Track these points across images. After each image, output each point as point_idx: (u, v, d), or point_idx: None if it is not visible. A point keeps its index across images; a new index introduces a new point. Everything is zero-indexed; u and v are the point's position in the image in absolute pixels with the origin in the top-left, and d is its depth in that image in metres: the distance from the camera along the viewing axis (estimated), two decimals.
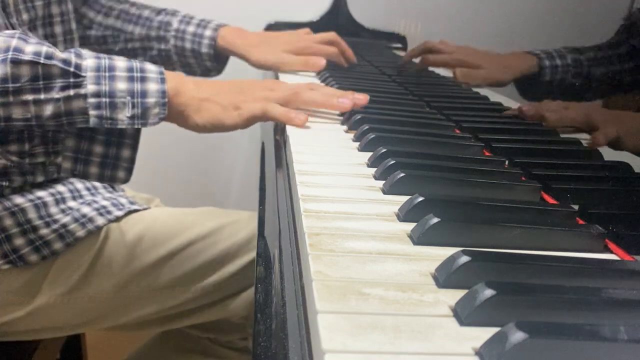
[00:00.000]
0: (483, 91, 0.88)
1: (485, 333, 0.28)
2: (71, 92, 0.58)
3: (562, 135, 0.63)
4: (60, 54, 0.58)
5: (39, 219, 0.74)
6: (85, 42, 1.01)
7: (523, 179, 0.53)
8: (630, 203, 0.49)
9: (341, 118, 0.71)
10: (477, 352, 0.27)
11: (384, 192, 0.48)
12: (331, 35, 1.00)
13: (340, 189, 0.47)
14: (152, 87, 0.61)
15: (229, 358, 0.96)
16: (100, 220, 0.79)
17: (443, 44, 0.96)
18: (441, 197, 0.44)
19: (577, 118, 0.61)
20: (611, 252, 0.42)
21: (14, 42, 0.57)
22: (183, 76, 0.66)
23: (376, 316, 0.29)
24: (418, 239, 0.39)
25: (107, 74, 0.59)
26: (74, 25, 0.86)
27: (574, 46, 0.62)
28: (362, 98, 0.71)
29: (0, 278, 0.74)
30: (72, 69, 0.58)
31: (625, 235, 0.42)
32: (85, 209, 0.79)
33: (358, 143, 0.61)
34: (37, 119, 0.58)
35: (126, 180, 0.66)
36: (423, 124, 0.70)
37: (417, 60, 1.02)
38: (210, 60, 1.00)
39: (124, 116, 0.59)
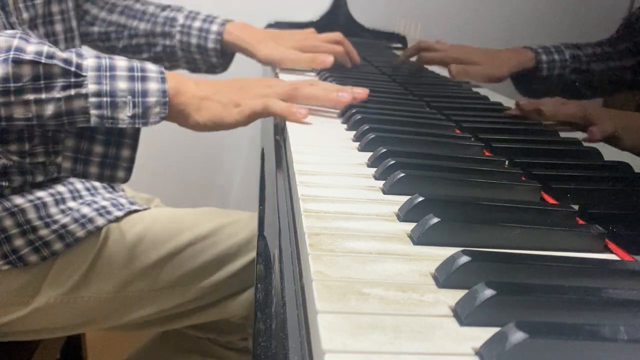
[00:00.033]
0: (483, 91, 0.88)
1: (485, 333, 0.28)
2: (72, 91, 0.58)
3: (562, 135, 0.63)
4: (61, 53, 0.59)
5: (39, 220, 0.74)
6: (88, 39, 1.00)
7: (523, 179, 0.53)
8: (630, 203, 0.49)
9: (341, 118, 0.71)
10: (477, 352, 0.27)
11: (384, 192, 0.48)
12: (337, 35, 1.00)
13: (340, 189, 0.47)
14: (153, 86, 0.61)
15: (229, 358, 0.96)
16: (100, 221, 0.79)
17: (438, 42, 0.96)
18: (441, 197, 0.44)
19: (574, 113, 0.60)
20: (611, 252, 0.42)
21: (15, 42, 0.57)
22: (183, 76, 0.66)
23: (376, 316, 0.29)
24: (418, 239, 0.39)
25: (107, 74, 0.59)
26: (74, 23, 0.86)
27: (573, 42, 0.62)
28: (362, 92, 0.71)
29: (0, 279, 0.74)
30: (73, 69, 0.58)
31: (625, 235, 0.42)
32: (85, 210, 0.79)
33: (358, 143, 0.61)
34: (38, 119, 0.58)
35: (126, 179, 0.66)
36: (423, 124, 0.70)
37: (414, 59, 1.03)
38: (216, 56, 0.99)
39: (125, 116, 0.60)
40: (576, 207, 0.46)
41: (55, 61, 0.57)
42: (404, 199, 0.44)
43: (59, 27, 0.82)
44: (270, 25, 1.35)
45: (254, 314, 0.36)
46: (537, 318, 0.30)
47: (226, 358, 0.96)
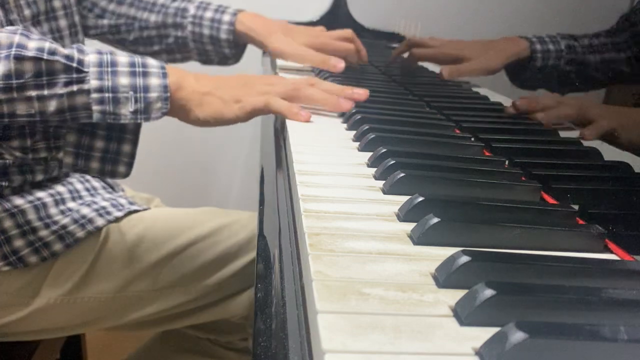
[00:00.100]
0: (483, 91, 0.88)
1: (485, 333, 0.28)
2: (74, 87, 0.58)
3: (562, 135, 0.63)
4: (62, 49, 0.59)
5: (39, 220, 0.74)
6: (98, 32, 0.99)
7: (523, 179, 0.53)
8: (630, 203, 0.49)
9: (341, 117, 0.71)
10: (477, 352, 0.27)
11: (384, 192, 0.48)
12: (348, 32, 0.99)
13: (340, 189, 0.47)
14: (154, 81, 0.61)
15: (229, 358, 0.96)
16: (99, 221, 0.79)
17: (430, 39, 0.96)
18: (441, 197, 0.44)
19: (569, 114, 0.60)
20: (611, 252, 0.42)
21: (17, 39, 0.57)
22: (184, 71, 0.66)
23: (376, 316, 0.29)
24: (418, 239, 0.39)
25: (109, 69, 0.60)
26: (77, 18, 0.85)
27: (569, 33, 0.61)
28: (362, 93, 0.71)
29: (0, 280, 0.74)
30: (75, 65, 0.58)
31: (625, 235, 0.42)
32: (85, 210, 0.79)
33: (358, 143, 0.61)
34: (41, 115, 0.58)
35: (127, 174, 0.66)
36: (423, 124, 0.70)
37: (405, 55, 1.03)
38: (229, 47, 0.97)
39: (127, 111, 0.60)
40: (576, 207, 0.46)
41: (57, 57, 0.57)
42: (404, 199, 0.44)
43: (62, 23, 0.82)
44: None
45: (254, 314, 0.36)
46: (537, 318, 0.30)
47: (226, 358, 0.96)
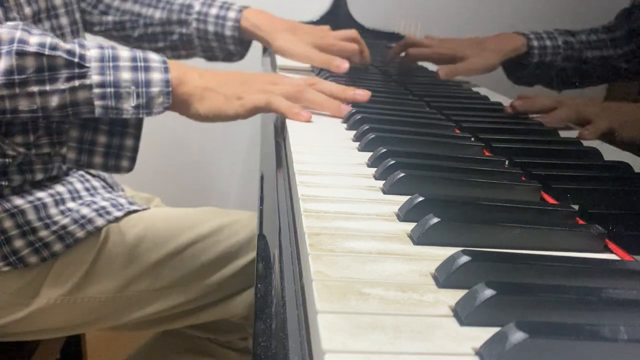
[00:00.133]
0: (483, 91, 0.88)
1: (485, 333, 0.28)
2: (76, 82, 0.58)
3: (562, 135, 0.63)
4: (64, 44, 0.59)
5: (39, 221, 0.74)
6: (102, 29, 0.98)
7: (523, 179, 0.53)
8: (630, 203, 0.49)
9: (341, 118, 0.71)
10: (477, 352, 0.27)
11: (384, 192, 0.48)
12: (352, 32, 0.98)
13: (340, 188, 0.47)
14: (156, 76, 0.61)
15: (229, 358, 0.96)
16: (99, 221, 0.79)
17: (426, 38, 0.95)
18: (441, 197, 0.44)
19: (571, 115, 0.60)
20: (611, 252, 0.42)
21: (18, 34, 0.57)
22: (187, 66, 0.66)
23: (376, 316, 0.29)
24: (418, 239, 0.39)
25: (111, 64, 0.60)
26: (78, 15, 0.85)
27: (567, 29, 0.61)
28: (364, 94, 0.71)
29: (0, 280, 0.74)
30: (76, 60, 0.58)
31: (625, 235, 0.42)
32: (85, 210, 0.79)
33: (358, 143, 0.61)
34: (43, 110, 0.58)
35: (130, 169, 0.66)
36: (423, 124, 0.70)
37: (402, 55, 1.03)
38: (234, 44, 0.97)
39: (129, 106, 0.60)
40: (576, 207, 0.46)
41: (58, 52, 0.57)
42: (404, 199, 0.44)
43: (64, 20, 0.82)
44: None
45: (254, 314, 0.36)
46: (537, 318, 0.30)
47: (226, 358, 0.96)
